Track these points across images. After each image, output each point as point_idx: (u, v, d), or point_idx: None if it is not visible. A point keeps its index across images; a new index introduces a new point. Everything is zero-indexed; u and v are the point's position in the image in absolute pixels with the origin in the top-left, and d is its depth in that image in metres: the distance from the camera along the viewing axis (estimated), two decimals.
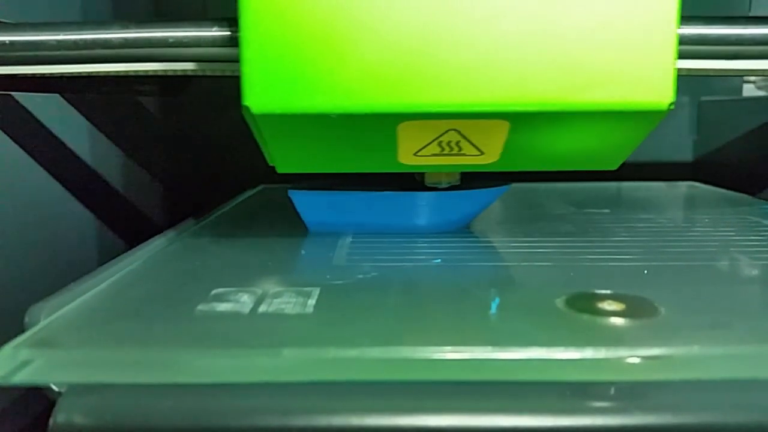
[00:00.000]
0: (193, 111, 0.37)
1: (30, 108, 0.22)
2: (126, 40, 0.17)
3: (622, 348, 0.11)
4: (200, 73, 0.18)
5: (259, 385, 0.11)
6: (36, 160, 0.22)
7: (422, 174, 0.21)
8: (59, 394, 0.12)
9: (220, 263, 0.18)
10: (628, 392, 0.11)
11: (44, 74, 0.17)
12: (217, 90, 0.39)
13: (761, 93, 0.39)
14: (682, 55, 0.16)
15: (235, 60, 0.15)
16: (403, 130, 0.16)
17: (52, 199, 0.22)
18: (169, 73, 0.17)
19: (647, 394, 0.11)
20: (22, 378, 0.11)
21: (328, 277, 0.16)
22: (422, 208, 0.21)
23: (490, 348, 0.11)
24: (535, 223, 0.23)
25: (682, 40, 0.16)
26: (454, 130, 0.16)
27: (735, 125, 0.36)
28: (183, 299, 0.14)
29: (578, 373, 0.11)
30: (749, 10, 0.37)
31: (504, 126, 0.15)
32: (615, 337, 0.12)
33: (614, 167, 0.18)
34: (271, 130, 0.16)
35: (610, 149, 0.17)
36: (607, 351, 0.11)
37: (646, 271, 0.16)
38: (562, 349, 0.11)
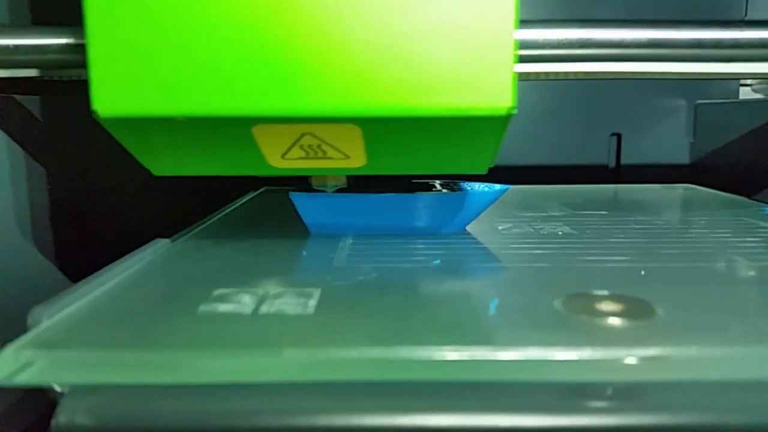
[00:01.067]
0: None
1: (31, 109, 0.22)
2: None
3: (620, 348, 0.11)
4: (48, 78, 0.18)
5: (261, 385, 0.11)
6: (35, 162, 0.22)
7: (309, 177, 0.21)
8: (61, 394, 0.12)
9: (222, 264, 0.18)
10: (626, 392, 0.11)
11: None
12: None
13: (758, 96, 0.39)
14: (523, 59, 0.16)
15: (82, 66, 0.14)
16: (259, 133, 0.15)
17: (53, 201, 0.22)
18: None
19: (644, 395, 0.11)
20: (24, 379, 0.11)
21: (328, 278, 0.16)
22: (422, 210, 0.21)
23: (488, 348, 0.11)
24: (534, 224, 0.23)
25: (523, 45, 0.16)
26: (310, 134, 0.16)
27: (731, 128, 0.36)
28: (185, 300, 0.14)
29: (576, 374, 0.11)
30: (745, 14, 0.37)
31: (356, 130, 0.15)
32: (612, 338, 0.12)
33: (483, 171, 0.18)
34: (124, 134, 0.16)
35: (468, 153, 0.17)
36: (605, 351, 0.11)
37: (643, 273, 0.16)
38: (560, 349, 0.11)
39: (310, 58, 0.14)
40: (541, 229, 0.22)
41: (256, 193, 0.31)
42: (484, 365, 0.11)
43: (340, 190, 0.21)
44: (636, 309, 0.13)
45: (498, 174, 0.24)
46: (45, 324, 0.13)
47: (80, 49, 0.16)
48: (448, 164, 0.18)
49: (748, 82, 0.39)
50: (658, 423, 0.11)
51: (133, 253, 0.18)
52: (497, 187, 0.22)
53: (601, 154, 0.39)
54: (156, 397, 0.11)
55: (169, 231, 0.21)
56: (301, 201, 0.21)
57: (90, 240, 0.25)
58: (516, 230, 0.22)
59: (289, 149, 0.16)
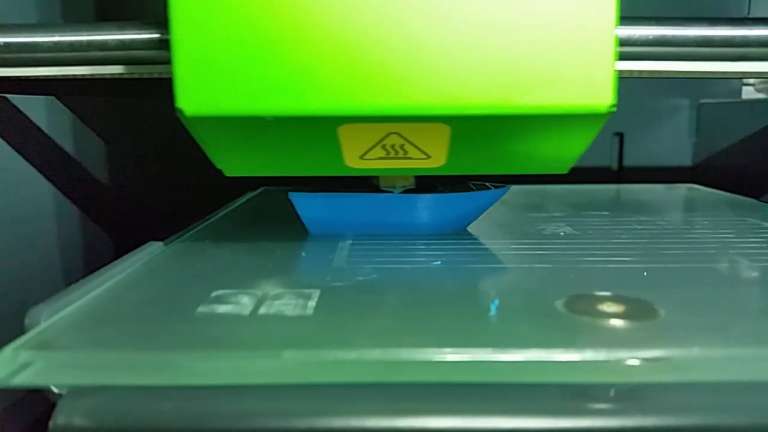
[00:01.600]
0: None
1: (26, 111, 0.22)
2: (54, 44, 0.17)
3: (622, 350, 0.11)
4: (128, 76, 0.17)
5: (260, 387, 0.11)
6: (32, 163, 0.22)
7: (377, 178, 0.20)
8: (59, 396, 0.12)
9: (221, 265, 0.18)
10: (628, 394, 0.11)
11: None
12: None
13: (761, 95, 0.39)
14: (623, 57, 0.16)
15: (167, 62, 0.14)
16: (344, 132, 0.15)
17: (53, 202, 0.22)
18: (97, 77, 0.17)
19: (647, 396, 0.11)
20: (22, 380, 0.11)
21: (328, 279, 0.16)
22: (422, 210, 0.21)
23: (490, 350, 0.11)
24: (535, 225, 0.23)
25: (623, 42, 0.16)
26: (396, 133, 0.16)
27: (734, 128, 0.36)
28: (183, 301, 0.14)
29: (578, 375, 0.11)
30: (748, 12, 0.37)
31: (445, 130, 0.15)
32: (614, 339, 0.12)
33: (564, 171, 0.18)
34: (206, 133, 0.15)
35: (557, 152, 0.17)
36: (607, 353, 0.11)
37: (645, 273, 0.16)
38: (561, 350, 0.11)
39: (409, 55, 0.14)
40: (542, 229, 0.22)
41: (255, 193, 0.31)
42: (485, 367, 0.11)
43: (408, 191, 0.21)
44: (638, 310, 0.13)
45: (498, 174, 0.23)
46: (43, 325, 0.13)
47: (164, 46, 0.16)
48: (530, 164, 0.17)
49: (751, 81, 0.39)
50: (660, 425, 0.11)
51: (131, 253, 0.18)
52: (498, 187, 0.21)
53: (604, 154, 0.39)
54: (154, 398, 0.11)
55: (167, 231, 0.21)
56: (300, 201, 0.21)
57: (89, 240, 0.25)
58: (517, 230, 0.22)
59: (370, 149, 0.16)
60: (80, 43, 0.17)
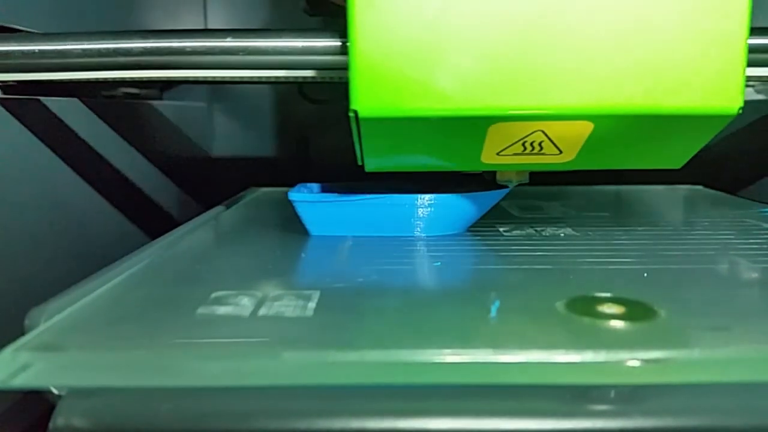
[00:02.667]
0: (194, 114, 0.37)
1: (31, 110, 0.22)
2: (234, 48, 0.18)
3: (622, 351, 0.11)
4: (311, 80, 0.19)
5: (259, 388, 0.11)
6: (31, 164, 0.22)
7: (492, 173, 0.21)
8: (59, 397, 0.12)
9: (221, 266, 0.18)
10: (628, 395, 0.11)
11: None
12: (220, 94, 0.39)
13: (760, 96, 0.39)
14: (751, 64, 0.17)
15: (344, 68, 0.16)
16: (493, 131, 0.17)
17: (53, 203, 0.22)
18: (281, 80, 0.19)
19: (647, 398, 0.11)
20: (22, 381, 0.11)
21: (328, 280, 0.16)
22: (422, 211, 0.21)
23: (490, 351, 0.11)
24: (536, 225, 0.23)
25: (752, 50, 0.17)
26: (541, 131, 0.17)
27: (735, 129, 0.36)
28: (183, 302, 0.14)
29: (578, 376, 0.11)
30: None
31: (588, 127, 0.16)
32: (615, 340, 0.12)
33: (679, 166, 0.19)
34: (372, 132, 0.17)
35: (679, 149, 0.18)
36: (607, 354, 0.11)
37: (645, 275, 0.16)
38: (562, 352, 0.11)
39: (561, 61, 0.15)
40: (543, 230, 0.22)
41: (255, 193, 0.31)
42: (485, 368, 0.11)
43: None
44: (638, 311, 0.13)
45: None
46: (43, 326, 0.13)
47: (344, 53, 0.17)
48: (650, 159, 0.19)
49: (751, 83, 0.39)
50: (660, 426, 0.11)
51: (131, 254, 0.18)
52: (498, 188, 0.21)
53: None
54: (154, 399, 0.11)
55: (167, 232, 0.21)
56: (300, 202, 0.21)
57: (89, 241, 0.25)
58: (517, 231, 0.22)
59: (510, 146, 0.17)
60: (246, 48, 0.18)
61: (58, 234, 0.23)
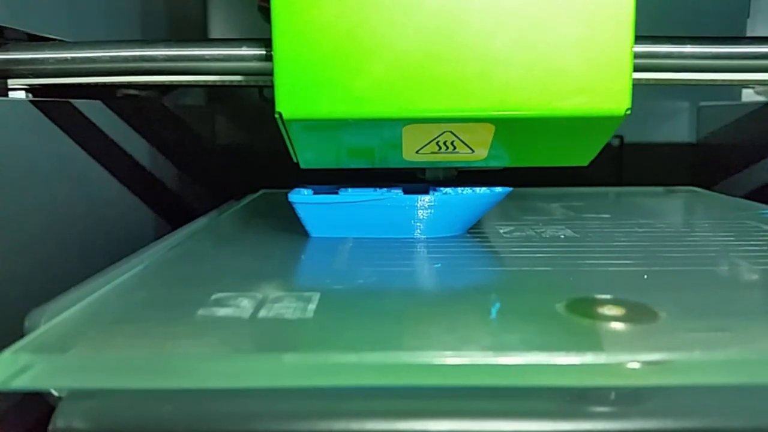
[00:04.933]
0: (195, 115, 0.37)
1: (31, 110, 0.22)
2: (169, 56, 0.21)
3: (623, 353, 0.11)
4: (237, 84, 0.21)
5: (260, 390, 0.11)
6: (31, 165, 0.22)
7: (424, 171, 0.23)
8: (59, 399, 0.12)
9: (221, 268, 0.18)
10: (629, 397, 0.11)
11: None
12: (220, 96, 0.39)
13: (760, 98, 0.39)
14: (637, 69, 0.19)
15: (270, 74, 0.17)
16: (407, 132, 0.18)
17: (53, 204, 0.22)
18: (218, 84, 0.21)
19: (648, 400, 0.11)
20: (21, 383, 0.11)
21: (328, 281, 0.16)
22: (423, 212, 0.21)
23: (490, 353, 0.11)
24: (536, 227, 0.23)
25: (637, 56, 0.19)
26: (450, 131, 0.18)
27: (734, 130, 0.36)
28: (183, 304, 0.14)
29: (579, 378, 0.11)
30: (747, 15, 0.37)
31: (490, 128, 0.18)
32: (615, 342, 0.12)
33: (585, 163, 0.21)
34: (297, 132, 0.18)
35: (580, 148, 0.20)
36: (608, 356, 0.11)
37: (645, 276, 0.16)
38: (562, 354, 0.11)
39: (465, 69, 0.17)
40: (543, 232, 0.22)
41: (255, 195, 0.31)
42: (485, 370, 0.11)
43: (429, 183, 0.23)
44: (639, 313, 0.13)
45: (499, 176, 0.23)
46: (43, 327, 0.13)
47: (269, 59, 0.19)
48: (557, 158, 0.20)
49: (751, 84, 0.39)
50: (661, 428, 0.11)
51: (131, 256, 0.18)
52: (498, 189, 0.21)
53: (604, 157, 0.39)
54: (154, 401, 0.11)
55: (168, 234, 0.21)
56: (300, 203, 0.21)
57: (89, 242, 0.25)
58: (517, 233, 0.22)
59: (425, 145, 0.19)
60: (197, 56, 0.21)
61: (57, 235, 0.23)
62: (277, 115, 0.17)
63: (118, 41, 0.21)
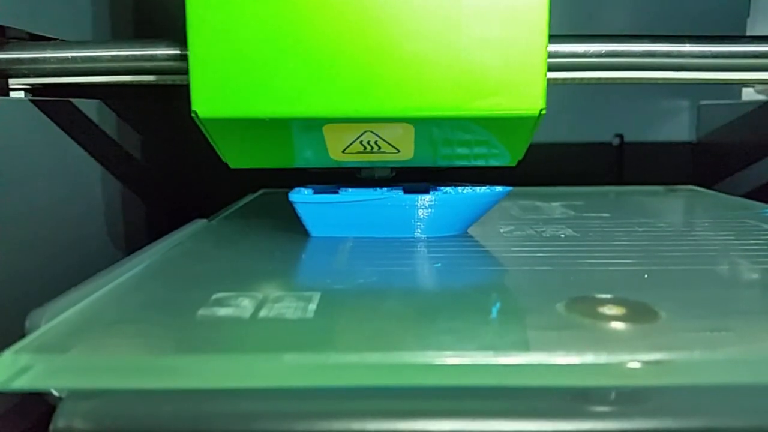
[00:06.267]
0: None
1: (33, 111, 0.22)
2: (91, 57, 0.21)
3: (623, 353, 0.11)
4: (155, 83, 0.21)
5: (260, 390, 0.11)
6: (32, 165, 0.22)
7: (359, 170, 0.23)
8: (59, 399, 0.12)
9: (221, 268, 0.18)
10: (629, 397, 0.11)
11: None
12: None
13: (760, 97, 0.39)
14: (551, 68, 0.19)
15: (186, 72, 0.17)
16: (328, 131, 0.18)
17: (53, 204, 0.22)
18: (134, 84, 0.21)
19: (648, 399, 0.11)
20: (22, 383, 0.11)
21: (328, 281, 0.16)
22: (423, 211, 0.21)
23: (490, 353, 0.11)
24: (536, 226, 0.23)
25: (551, 55, 0.19)
26: (370, 131, 0.18)
27: (734, 129, 0.36)
28: (184, 304, 0.14)
29: (579, 378, 0.11)
30: (747, 14, 0.37)
31: (410, 128, 0.18)
32: (615, 342, 0.12)
33: (513, 163, 0.21)
34: (216, 132, 0.18)
35: (503, 148, 0.20)
36: (608, 356, 0.11)
37: (646, 276, 0.16)
38: (562, 353, 0.11)
39: (380, 69, 0.17)
40: (543, 231, 0.22)
41: (255, 195, 0.31)
42: (486, 370, 0.11)
43: (379, 182, 0.23)
44: (639, 312, 0.13)
45: (500, 176, 0.23)
46: (44, 328, 0.13)
47: (183, 59, 0.20)
48: (483, 157, 0.20)
49: (751, 83, 0.39)
50: (661, 428, 0.11)
51: (131, 256, 0.18)
52: (498, 189, 0.21)
53: (604, 156, 0.39)
54: (155, 402, 0.11)
55: (168, 234, 0.21)
56: (300, 203, 0.21)
57: (90, 242, 0.25)
58: (518, 233, 0.22)
59: (350, 144, 0.19)
60: (121, 56, 0.21)
61: (58, 236, 0.23)
62: (192, 114, 0.17)
63: (120, 40, 0.21)
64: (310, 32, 0.17)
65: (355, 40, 0.17)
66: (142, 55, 0.20)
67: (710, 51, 0.21)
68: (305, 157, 0.20)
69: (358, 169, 0.23)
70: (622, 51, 0.20)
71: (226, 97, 0.17)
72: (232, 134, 0.18)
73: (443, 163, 0.21)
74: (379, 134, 0.18)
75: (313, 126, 0.18)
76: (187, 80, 0.17)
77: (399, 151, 0.19)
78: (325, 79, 0.17)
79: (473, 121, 0.17)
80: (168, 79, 0.21)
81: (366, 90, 0.17)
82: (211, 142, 0.19)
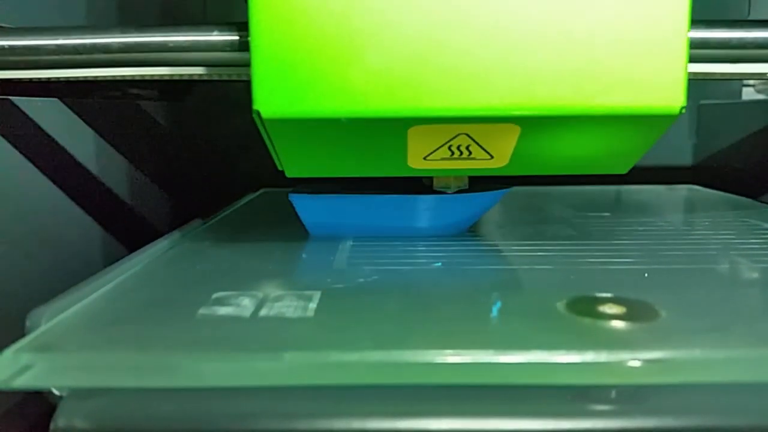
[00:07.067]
0: (195, 115, 0.37)
1: (30, 112, 0.22)
2: (126, 44, 0.17)
3: (623, 351, 0.11)
4: (207, 77, 0.17)
5: (261, 389, 0.11)
6: (36, 164, 0.22)
7: (431, 178, 0.20)
8: (60, 398, 0.12)
9: (221, 267, 0.18)
10: (629, 395, 0.11)
11: (43, 79, 0.17)
12: (220, 94, 0.39)
13: (761, 96, 0.39)
14: (693, 59, 0.16)
15: (246, 64, 0.15)
16: (414, 134, 0.15)
17: (54, 204, 0.22)
18: (176, 77, 0.17)
19: (648, 398, 0.11)
20: (23, 382, 0.11)
21: (328, 280, 0.16)
22: (423, 211, 0.21)
23: (491, 351, 0.11)
24: (536, 226, 0.23)
25: (693, 44, 0.15)
26: (465, 134, 0.16)
27: (734, 129, 0.36)
28: (184, 303, 0.14)
29: (579, 377, 0.11)
30: (748, 14, 0.37)
31: (515, 130, 0.15)
32: (616, 341, 0.12)
33: (624, 171, 0.18)
34: (280, 135, 0.16)
35: (621, 152, 0.17)
36: (608, 354, 0.11)
37: (646, 275, 0.16)
38: (563, 352, 0.11)
39: (480, 58, 0.14)
40: (543, 230, 0.22)
41: (255, 194, 0.31)
42: (486, 368, 0.11)
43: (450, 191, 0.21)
44: (639, 311, 0.13)
45: (499, 175, 0.23)
46: (44, 327, 0.13)
47: (244, 48, 0.16)
48: (591, 164, 0.17)
49: (751, 82, 0.39)
50: (661, 426, 0.11)
51: (131, 255, 0.18)
52: (498, 189, 0.21)
53: None
54: (155, 400, 0.11)
55: (168, 234, 0.21)
56: (300, 202, 0.21)
57: (90, 242, 0.25)
58: (518, 232, 0.22)
59: (435, 150, 0.16)
60: (156, 44, 0.17)
61: (58, 235, 0.23)
62: (255, 114, 0.14)
63: (67, 27, 0.17)
64: (398, 14, 0.14)
65: (452, 21, 0.14)
66: (189, 43, 0.16)
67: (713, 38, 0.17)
68: (377, 166, 0.18)
69: (430, 179, 0.20)
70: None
71: (295, 94, 0.14)
72: (298, 138, 0.16)
73: (543, 171, 0.18)
74: (474, 138, 0.16)
75: (398, 128, 0.15)
76: (248, 73, 0.14)
77: (492, 158, 0.16)
78: (416, 70, 0.14)
79: (597, 120, 0.14)
80: (223, 73, 0.17)
81: (466, 84, 0.14)
82: (269, 147, 0.17)
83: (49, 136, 0.23)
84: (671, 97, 0.14)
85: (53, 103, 0.23)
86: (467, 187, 0.21)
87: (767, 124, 0.34)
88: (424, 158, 0.17)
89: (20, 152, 0.21)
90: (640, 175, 0.39)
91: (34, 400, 0.13)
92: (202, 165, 0.37)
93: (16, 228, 0.20)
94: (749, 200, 0.29)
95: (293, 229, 0.21)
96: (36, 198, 0.21)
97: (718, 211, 0.27)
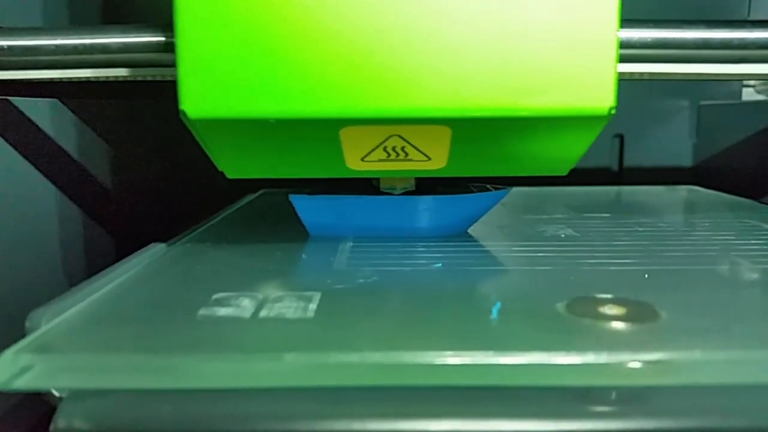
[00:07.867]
0: None
1: (29, 113, 0.22)
2: (57, 47, 0.17)
3: (623, 352, 0.11)
4: (131, 79, 0.17)
5: (261, 390, 0.11)
6: (35, 165, 0.22)
7: (378, 180, 0.20)
8: (60, 399, 0.12)
9: (221, 268, 0.18)
10: (630, 397, 0.11)
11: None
12: None
13: (761, 97, 0.39)
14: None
15: (172, 65, 0.14)
16: (346, 135, 0.15)
17: (54, 204, 0.22)
18: (101, 80, 0.17)
19: (649, 399, 0.11)
20: (22, 383, 0.11)
21: (329, 281, 0.16)
22: (423, 211, 0.21)
23: (491, 353, 0.11)
24: (536, 227, 0.23)
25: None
26: (397, 135, 0.16)
27: (734, 129, 0.36)
28: (184, 304, 0.14)
29: (579, 378, 0.11)
30: (748, 14, 0.37)
31: (446, 132, 0.15)
32: (616, 342, 0.12)
33: (564, 173, 0.18)
34: (210, 136, 0.15)
35: (557, 154, 0.17)
36: (608, 356, 0.11)
37: (646, 275, 0.16)
38: (563, 353, 0.11)
39: (410, 58, 0.14)
40: (543, 231, 0.22)
41: (255, 195, 0.31)
42: (486, 370, 0.11)
43: (407, 193, 0.21)
44: (640, 312, 0.13)
45: (501, 176, 0.23)
46: (44, 328, 0.13)
47: (169, 49, 0.16)
48: (530, 166, 0.17)
49: (751, 83, 0.39)
50: (662, 428, 0.11)
51: (131, 255, 0.18)
52: (498, 189, 0.21)
53: (604, 156, 0.39)
54: (155, 401, 0.11)
55: (168, 234, 0.21)
56: (300, 202, 0.21)
57: (90, 242, 0.25)
58: (518, 233, 0.22)
59: (371, 151, 0.16)
60: (84, 46, 0.17)
61: (58, 236, 0.23)
62: (181, 115, 0.14)
63: (88, 27, 0.17)
64: (327, 14, 0.14)
65: (382, 22, 0.14)
66: (114, 45, 0.17)
67: (711, 38, 0.17)
68: (316, 167, 0.18)
69: (377, 180, 0.20)
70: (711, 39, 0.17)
71: (221, 94, 0.14)
72: (229, 138, 0.16)
73: (482, 172, 0.18)
74: (407, 139, 0.16)
75: (328, 129, 0.15)
76: (174, 74, 0.14)
77: (430, 159, 0.16)
78: (343, 71, 0.14)
79: (527, 122, 0.14)
80: (147, 74, 0.17)
81: (394, 84, 0.14)
82: (204, 148, 0.16)
83: (48, 137, 0.23)
84: (600, 98, 0.14)
85: (53, 103, 0.23)
86: (414, 188, 0.20)
87: (767, 124, 0.34)
88: (362, 159, 0.17)
89: (19, 152, 0.21)
90: (640, 175, 0.39)
91: (34, 401, 0.13)
92: (202, 165, 0.37)
93: (16, 228, 0.20)
94: (749, 201, 0.29)
95: (293, 230, 0.21)
96: (35, 198, 0.21)
97: (718, 211, 0.27)
